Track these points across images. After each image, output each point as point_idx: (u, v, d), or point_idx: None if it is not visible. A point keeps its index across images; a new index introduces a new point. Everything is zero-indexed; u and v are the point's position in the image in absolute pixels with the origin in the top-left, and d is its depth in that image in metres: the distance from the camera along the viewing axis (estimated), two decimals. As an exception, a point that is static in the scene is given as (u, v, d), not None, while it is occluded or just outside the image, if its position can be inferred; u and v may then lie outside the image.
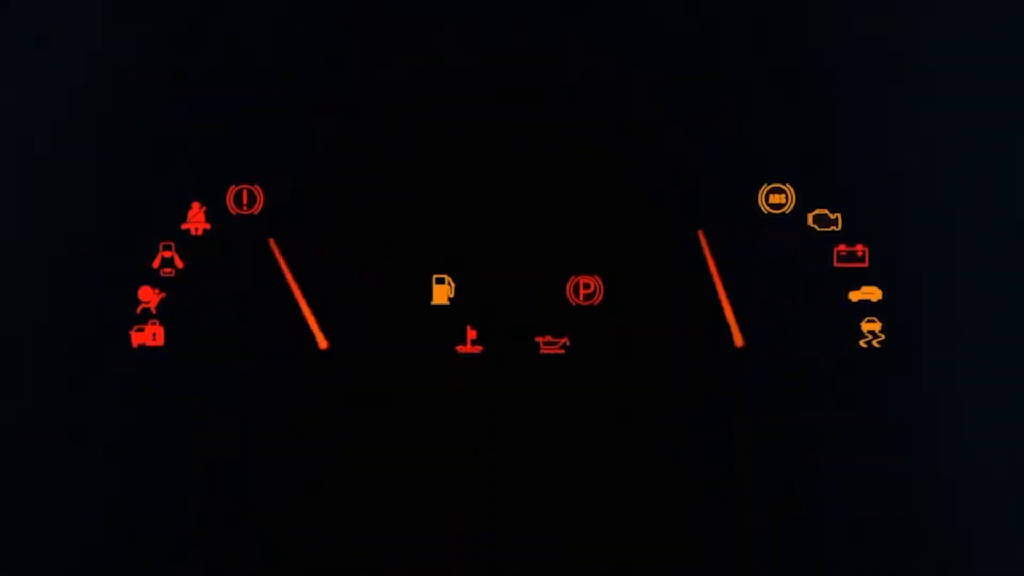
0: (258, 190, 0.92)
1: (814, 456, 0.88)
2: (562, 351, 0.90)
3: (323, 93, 0.92)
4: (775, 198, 0.90)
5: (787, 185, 0.90)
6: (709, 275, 0.89)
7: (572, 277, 0.90)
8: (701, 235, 0.89)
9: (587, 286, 0.90)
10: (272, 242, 0.91)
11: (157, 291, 0.92)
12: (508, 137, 0.91)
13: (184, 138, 0.92)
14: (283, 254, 0.91)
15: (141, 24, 0.92)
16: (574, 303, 0.90)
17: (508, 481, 0.89)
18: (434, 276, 0.91)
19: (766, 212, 0.90)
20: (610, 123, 0.91)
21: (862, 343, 0.89)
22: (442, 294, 0.91)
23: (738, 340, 0.89)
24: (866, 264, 0.89)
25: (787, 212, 0.90)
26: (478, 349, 0.90)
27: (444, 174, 0.91)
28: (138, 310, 0.91)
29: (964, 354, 0.87)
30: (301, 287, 0.91)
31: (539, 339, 0.90)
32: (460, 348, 0.90)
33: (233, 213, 0.92)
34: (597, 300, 0.90)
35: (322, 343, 0.91)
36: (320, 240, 0.91)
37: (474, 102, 0.91)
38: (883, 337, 0.88)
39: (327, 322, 0.91)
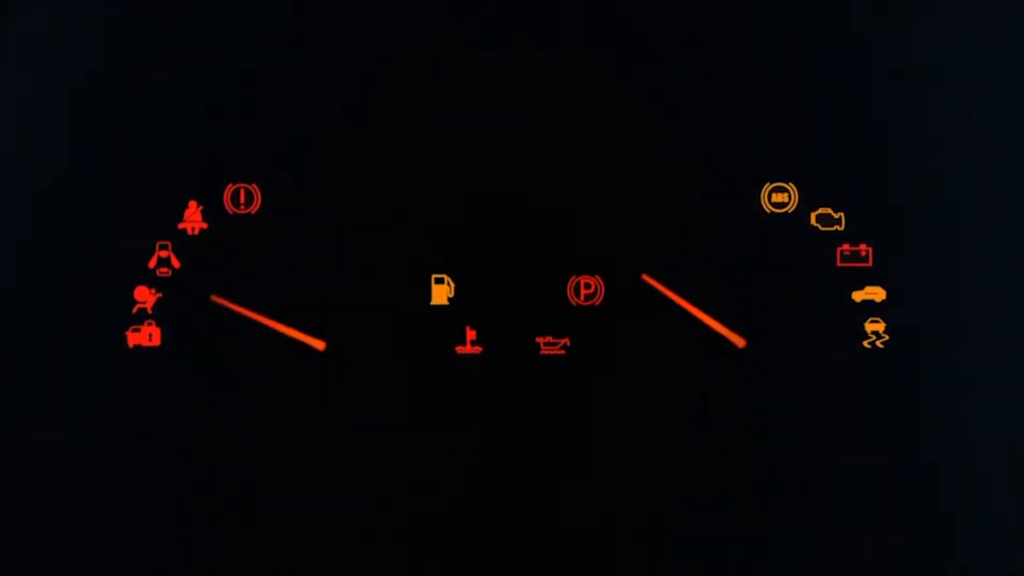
0: (255, 189, 0.92)
1: (815, 456, 0.88)
2: (562, 351, 0.90)
3: (323, 93, 0.92)
4: (778, 197, 0.90)
5: (790, 184, 0.90)
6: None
7: (572, 277, 0.90)
8: (647, 278, 0.90)
9: (587, 286, 0.90)
10: (214, 298, 0.91)
11: (153, 291, 0.91)
12: (508, 137, 0.91)
13: (182, 137, 0.92)
14: (279, 252, 0.91)
15: (141, 24, 0.91)
16: (574, 303, 0.90)
17: (508, 481, 0.89)
18: (434, 276, 0.91)
19: (769, 211, 0.90)
20: (610, 123, 0.91)
21: (865, 343, 0.89)
22: (442, 294, 0.91)
23: (739, 342, 0.89)
24: (870, 264, 0.89)
25: (790, 211, 0.90)
26: (478, 349, 0.90)
27: (444, 174, 0.91)
28: (134, 310, 0.91)
29: (964, 354, 0.87)
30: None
31: (539, 339, 0.90)
32: (460, 348, 0.90)
33: (230, 212, 0.92)
34: (597, 300, 0.90)
35: (319, 346, 0.90)
36: (319, 240, 0.91)
37: (474, 102, 0.91)
38: (887, 338, 0.89)
39: (327, 322, 0.91)
